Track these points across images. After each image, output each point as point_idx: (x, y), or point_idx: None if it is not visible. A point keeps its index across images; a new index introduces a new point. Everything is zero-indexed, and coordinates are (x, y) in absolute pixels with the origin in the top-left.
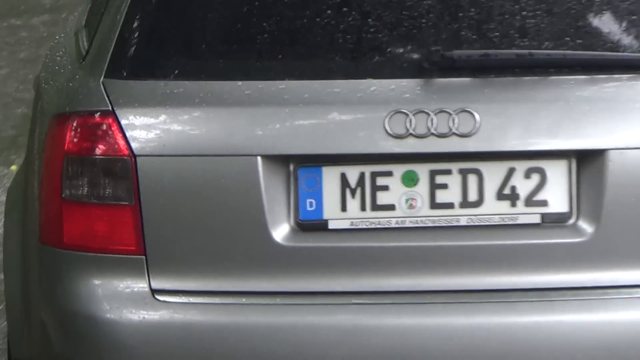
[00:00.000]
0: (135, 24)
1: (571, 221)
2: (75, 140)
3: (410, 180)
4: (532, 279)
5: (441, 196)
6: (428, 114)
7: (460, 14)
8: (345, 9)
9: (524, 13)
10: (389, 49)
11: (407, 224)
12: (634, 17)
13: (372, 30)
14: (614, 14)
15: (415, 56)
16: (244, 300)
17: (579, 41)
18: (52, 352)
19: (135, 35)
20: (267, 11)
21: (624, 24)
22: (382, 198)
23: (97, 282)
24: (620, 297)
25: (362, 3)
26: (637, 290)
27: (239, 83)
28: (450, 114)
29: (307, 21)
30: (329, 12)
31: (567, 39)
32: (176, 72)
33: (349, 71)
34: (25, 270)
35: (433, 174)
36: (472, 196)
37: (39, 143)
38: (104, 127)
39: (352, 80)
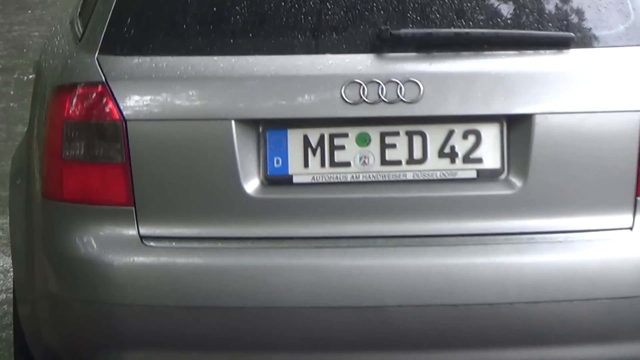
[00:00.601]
0: (124, 9)
1: (503, 176)
2: (73, 107)
3: (363, 140)
4: (468, 226)
5: (390, 154)
6: (379, 84)
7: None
8: None
9: None
10: (344, 28)
11: (361, 179)
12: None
13: (330, 11)
14: None
15: (368, 34)
16: (219, 244)
17: (508, 21)
18: (52, 292)
19: (125, 18)
20: None
21: (546, 6)
22: (339, 156)
23: (92, 230)
24: (545, 242)
25: None
26: (559, 236)
27: (215, 58)
28: (398, 84)
29: (275, 5)
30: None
31: (499, 19)
32: (160, 48)
33: (311, 47)
34: (28, 223)
35: (383, 135)
36: (417, 154)
37: (40, 114)
38: (98, 96)
39: (313, 55)
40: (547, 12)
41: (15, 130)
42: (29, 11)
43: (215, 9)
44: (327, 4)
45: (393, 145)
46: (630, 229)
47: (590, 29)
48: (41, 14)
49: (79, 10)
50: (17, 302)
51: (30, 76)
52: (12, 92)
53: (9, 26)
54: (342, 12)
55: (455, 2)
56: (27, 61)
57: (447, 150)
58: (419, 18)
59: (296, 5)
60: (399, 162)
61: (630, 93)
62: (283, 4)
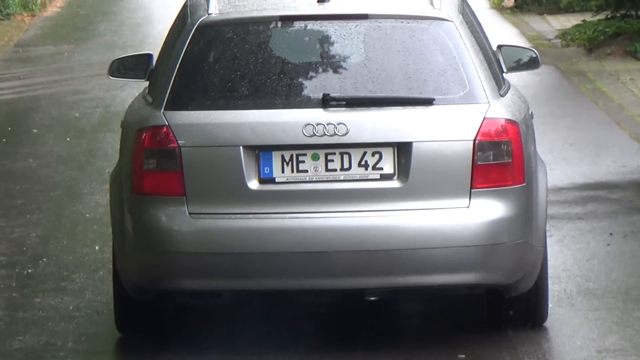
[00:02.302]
0: (175, 88)
1: (395, 178)
2: (150, 140)
3: (315, 157)
4: (374, 206)
5: (330, 165)
6: (323, 125)
7: (338, 74)
8: (279, 74)
9: (366, 74)
10: (305, 94)
11: (314, 179)
12: (416, 69)
13: (296, 85)
14: (406, 72)
15: (318, 97)
16: (233, 216)
17: (399, 86)
18: (137, 246)
19: (177, 92)
20: (246, 74)
21: (420, 81)
22: (301, 166)
23: (161, 209)
24: (417, 214)
25: (291, 72)
26: (427, 211)
27: (230, 111)
28: (334, 125)
29: (265, 82)
30: (271, 76)
31: (397, 85)
32: (198, 106)
33: (286, 104)
34: (122, 208)
35: (326, 154)
36: (346, 165)
37: (128, 146)
38: (164, 133)
39: (287, 109)
40: (420, 83)
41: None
42: (28, 215)
43: (230, 84)
44: (295, 81)
45: (332, 160)
46: (467, 207)
47: (444, 93)
48: (38, 218)
49: (146, 90)
50: (115, 256)
51: (30, 270)
52: (13, 284)
53: (11, 228)
54: (303, 85)
55: (366, 78)
56: (26, 258)
57: (362, 162)
58: (345, 87)
59: (278, 82)
60: (335, 170)
61: (467, 130)
62: (269, 82)
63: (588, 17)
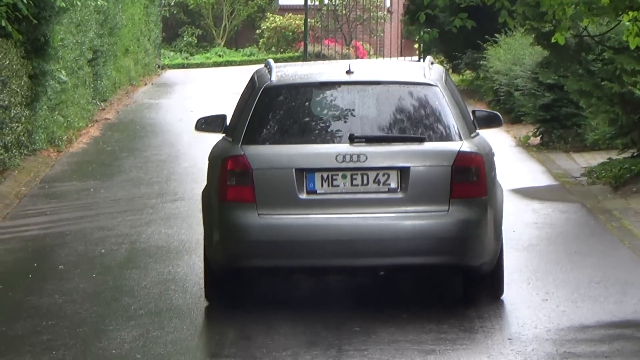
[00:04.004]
0: (248, 130)
1: (398, 190)
2: (231, 165)
3: (344, 177)
4: (383, 210)
5: (354, 182)
6: (350, 155)
7: (360, 121)
8: (319, 120)
9: (378, 121)
10: (337, 135)
11: (343, 191)
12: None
13: (331, 128)
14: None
15: (346, 136)
16: (288, 216)
17: (400, 128)
18: (222, 237)
19: (250, 131)
20: (297, 120)
21: (414, 125)
22: (334, 182)
23: (239, 211)
24: (412, 216)
25: (328, 119)
26: (420, 214)
27: (287, 145)
28: (357, 155)
29: (312, 125)
30: (314, 121)
31: (399, 128)
32: (264, 141)
33: (324, 140)
34: (211, 211)
35: (352, 175)
36: (365, 182)
37: (214, 171)
38: (241, 161)
39: (325, 144)
40: (415, 127)
41: None
42: (54, 352)
43: (286, 126)
44: (330, 125)
45: (355, 178)
46: (447, 211)
47: (431, 134)
48: (64, 354)
49: (225, 136)
50: (205, 246)
51: None
52: None
53: None
54: (336, 128)
55: (379, 123)
56: None
57: (376, 180)
58: (365, 129)
59: (318, 126)
60: (357, 185)
61: (447, 159)
62: (313, 125)
63: (614, 155)
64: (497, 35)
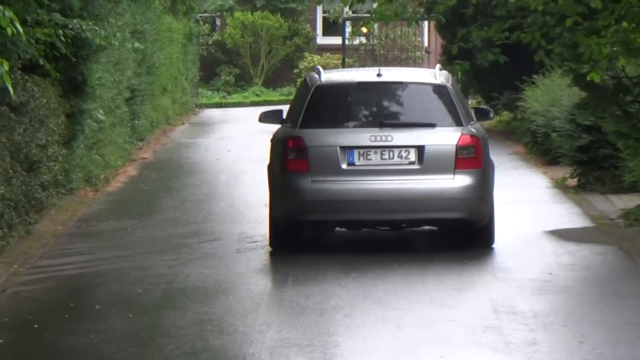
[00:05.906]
0: (305, 117)
1: (416, 163)
2: (292, 143)
3: (375, 153)
4: (405, 177)
5: (383, 157)
6: (380, 136)
7: (387, 110)
8: (357, 110)
9: (401, 110)
10: (370, 120)
11: (375, 164)
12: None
13: (366, 115)
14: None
15: (377, 122)
16: (334, 181)
17: (417, 115)
18: (285, 198)
19: (306, 118)
20: (340, 110)
21: (428, 112)
22: (368, 157)
23: (298, 179)
24: (428, 182)
25: (363, 109)
26: (434, 180)
27: (333, 129)
28: (386, 136)
29: (349, 113)
30: (353, 111)
31: (416, 114)
32: (316, 125)
33: (362, 124)
34: (275, 180)
35: (381, 151)
36: (391, 157)
37: (277, 149)
38: (299, 140)
39: (363, 127)
40: (429, 116)
41: None
42: None
43: (332, 115)
44: (365, 114)
45: (384, 154)
46: (453, 178)
47: (441, 121)
48: None
49: (286, 123)
50: (270, 204)
51: None
52: None
53: None
54: (369, 116)
55: (401, 112)
56: None
57: (399, 155)
58: (391, 117)
59: (356, 114)
60: (386, 159)
61: (453, 140)
62: (352, 114)
63: None
64: (534, 76)
